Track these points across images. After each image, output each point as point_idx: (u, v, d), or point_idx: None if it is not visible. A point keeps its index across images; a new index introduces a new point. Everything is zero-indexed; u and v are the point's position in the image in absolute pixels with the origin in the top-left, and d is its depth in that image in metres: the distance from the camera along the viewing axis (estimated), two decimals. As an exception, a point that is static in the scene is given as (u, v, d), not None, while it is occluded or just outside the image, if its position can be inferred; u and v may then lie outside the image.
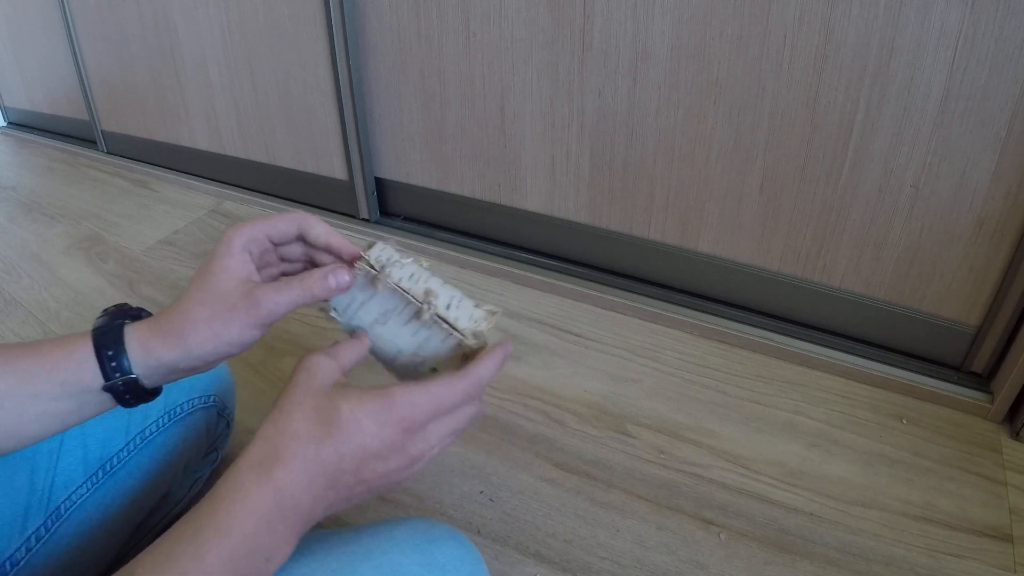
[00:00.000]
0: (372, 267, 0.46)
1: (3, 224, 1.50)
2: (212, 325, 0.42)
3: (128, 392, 0.43)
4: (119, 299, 1.17)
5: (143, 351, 0.42)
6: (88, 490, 0.53)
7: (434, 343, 0.47)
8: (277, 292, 0.44)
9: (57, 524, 0.51)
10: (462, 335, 0.46)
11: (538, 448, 0.81)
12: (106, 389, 0.42)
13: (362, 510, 0.74)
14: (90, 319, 1.10)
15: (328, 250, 0.49)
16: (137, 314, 0.46)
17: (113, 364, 0.42)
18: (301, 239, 0.49)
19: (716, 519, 0.72)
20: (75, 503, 0.52)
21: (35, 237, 1.43)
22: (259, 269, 0.47)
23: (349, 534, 0.44)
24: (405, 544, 0.43)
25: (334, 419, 0.38)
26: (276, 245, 0.48)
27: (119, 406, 0.44)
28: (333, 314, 0.48)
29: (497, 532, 0.71)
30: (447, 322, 0.46)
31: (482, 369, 0.44)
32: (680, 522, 0.72)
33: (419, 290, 0.47)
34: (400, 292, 0.46)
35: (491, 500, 0.75)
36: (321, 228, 0.48)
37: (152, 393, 0.44)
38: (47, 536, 0.51)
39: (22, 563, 0.49)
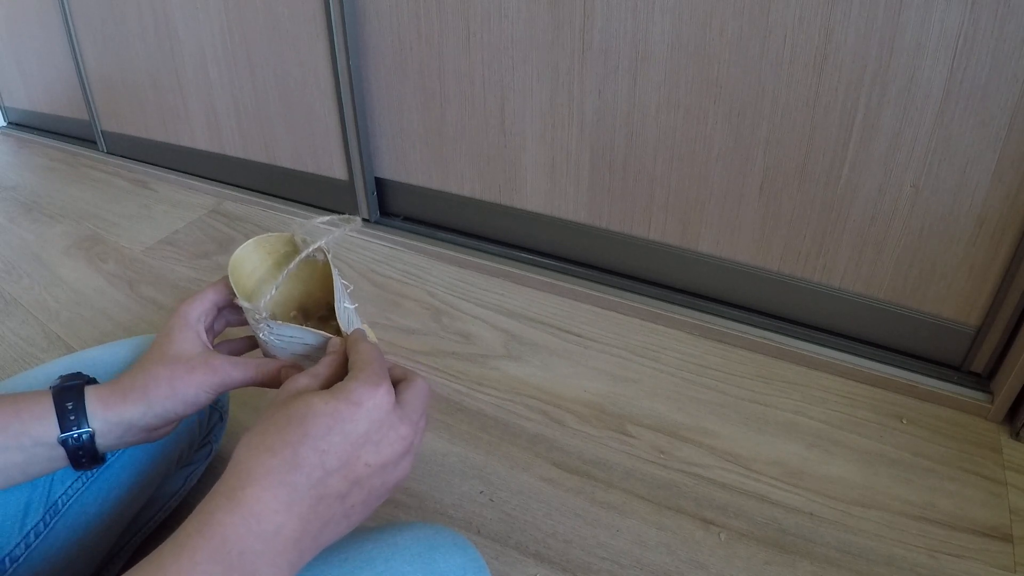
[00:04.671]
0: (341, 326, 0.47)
1: (3, 224, 1.50)
2: (173, 383, 0.45)
3: (81, 449, 0.43)
4: (119, 299, 1.17)
5: (102, 407, 0.44)
6: (84, 483, 0.53)
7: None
8: (233, 366, 0.47)
9: (55, 519, 0.51)
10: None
11: (538, 448, 0.81)
12: (61, 442, 0.43)
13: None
14: (90, 319, 1.11)
15: None
16: (92, 381, 0.48)
17: (72, 417, 0.43)
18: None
19: (716, 519, 0.72)
20: (71, 497, 0.53)
21: (35, 237, 1.43)
22: (213, 333, 0.52)
23: (351, 540, 0.43)
24: (407, 551, 0.42)
25: (308, 415, 0.35)
26: (221, 309, 0.53)
27: (69, 466, 0.44)
28: (264, 331, 0.48)
29: (497, 532, 0.71)
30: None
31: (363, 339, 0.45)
32: (680, 522, 0.72)
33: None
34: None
35: (491, 500, 0.75)
36: None
37: (102, 458, 0.45)
38: (45, 532, 0.51)
39: (21, 559, 0.49)
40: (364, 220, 1.33)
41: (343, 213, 1.40)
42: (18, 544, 0.49)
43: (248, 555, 0.31)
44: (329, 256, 0.50)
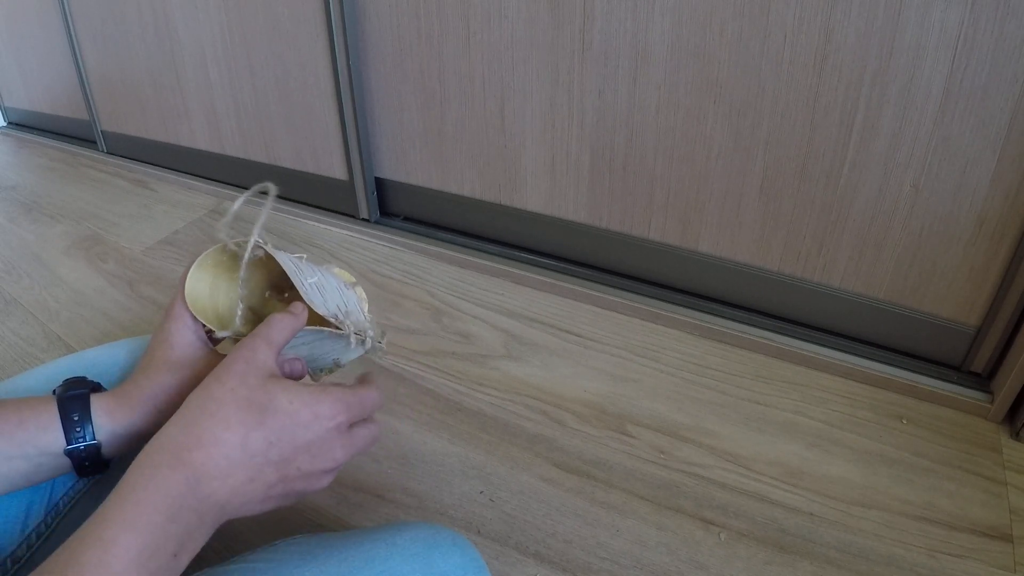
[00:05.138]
0: (332, 317, 0.46)
1: (3, 224, 1.50)
2: (182, 392, 0.44)
3: (88, 459, 0.43)
4: (119, 299, 1.17)
5: (109, 419, 0.44)
6: (85, 485, 0.53)
7: (350, 349, 0.50)
8: None
9: (56, 521, 0.51)
10: (380, 343, 0.50)
11: (538, 448, 0.81)
12: (67, 453, 0.42)
13: (364, 512, 0.74)
14: (90, 319, 1.11)
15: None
16: (96, 386, 0.47)
17: (78, 430, 0.43)
18: None
19: (716, 519, 0.72)
20: (73, 498, 0.53)
21: (35, 237, 1.43)
22: None
23: (351, 539, 0.44)
24: (407, 551, 0.43)
25: (269, 408, 0.38)
26: None
27: (73, 472, 0.44)
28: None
29: (497, 532, 0.71)
30: (378, 341, 0.49)
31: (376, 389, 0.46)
32: (680, 522, 0.72)
33: (354, 319, 0.49)
34: (350, 335, 0.48)
35: (491, 500, 0.75)
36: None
37: (106, 465, 0.45)
38: (47, 533, 0.51)
39: (23, 560, 0.49)
40: (364, 220, 1.33)
41: (343, 213, 1.38)
42: (20, 545, 0.49)
43: (184, 510, 0.35)
44: (268, 247, 0.48)
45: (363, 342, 0.49)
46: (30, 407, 0.43)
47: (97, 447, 0.43)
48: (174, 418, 0.37)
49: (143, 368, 0.46)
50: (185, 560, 0.35)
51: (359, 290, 0.52)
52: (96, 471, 0.45)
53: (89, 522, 0.33)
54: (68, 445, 0.42)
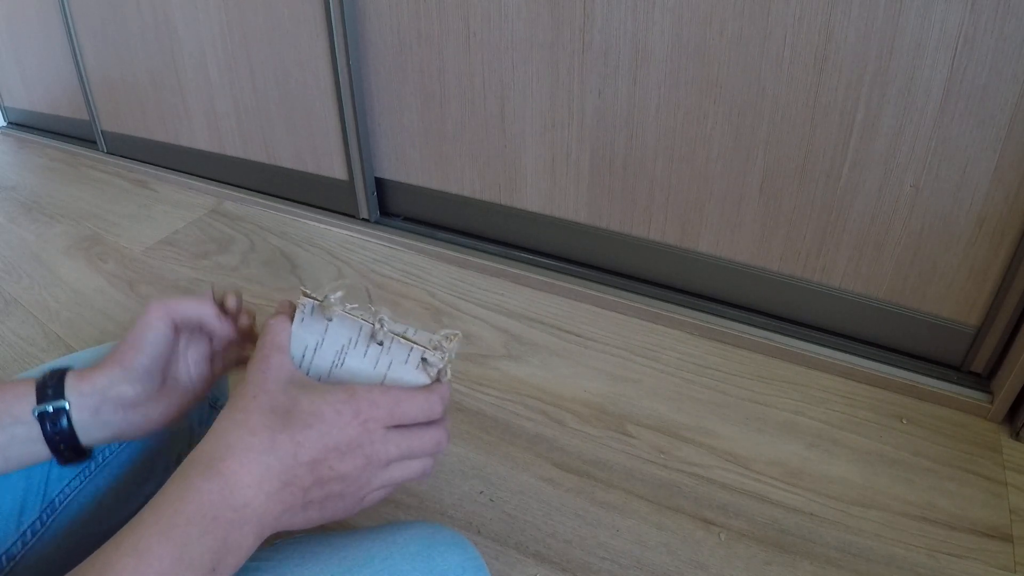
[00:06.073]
0: (315, 298, 0.45)
1: (3, 224, 1.50)
2: (132, 337, 0.46)
3: (59, 434, 0.43)
4: (119, 299, 1.17)
5: (78, 379, 0.44)
6: (81, 482, 0.53)
7: (397, 368, 0.45)
8: (183, 298, 0.48)
9: (52, 518, 0.51)
10: (423, 347, 0.44)
11: (538, 448, 0.81)
12: (38, 418, 0.43)
13: (364, 512, 0.74)
14: (90, 319, 1.11)
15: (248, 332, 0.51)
16: None
17: (49, 392, 0.44)
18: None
19: (716, 519, 0.72)
20: (69, 496, 0.52)
21: (35, 237, 1.43)
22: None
23: (351, 538, 0.44)
24: (407, 550, 0.43)
25: (293, 409, 0.38)
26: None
27: (51, 459, 0.45)
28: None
29: (497, 532, 0.71)
30: (404, 337, 0.44)
31: (443, 389, 0.44)
32: (680, 522, 0.72)
33: (367, 314, 0.46)
34: (350, 318, 0.45)
35: (491, 500, 0.75)
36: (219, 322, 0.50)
37: (82, 452, 0.45)
38: (42, 530, 0.51)
39: (19, 557, 0.49)
40: (364, 220, 1.33)
41: (343, 213, 1.38)
42: (15, 542, 0.49)
43: (220, 521, 0.34)
44: (312, 294, 0.45)
45: (375, 329, 0.44)
46: (12, 382, 0.45)
47: (67, 414, 0.43)
48: (207, 434, 0.38)
49: None
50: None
51: (454, 344, 0.47)
52: (74, 455, 0.45)
53: (124, 530, 0.34)
54: (37, 404, 0.43)
